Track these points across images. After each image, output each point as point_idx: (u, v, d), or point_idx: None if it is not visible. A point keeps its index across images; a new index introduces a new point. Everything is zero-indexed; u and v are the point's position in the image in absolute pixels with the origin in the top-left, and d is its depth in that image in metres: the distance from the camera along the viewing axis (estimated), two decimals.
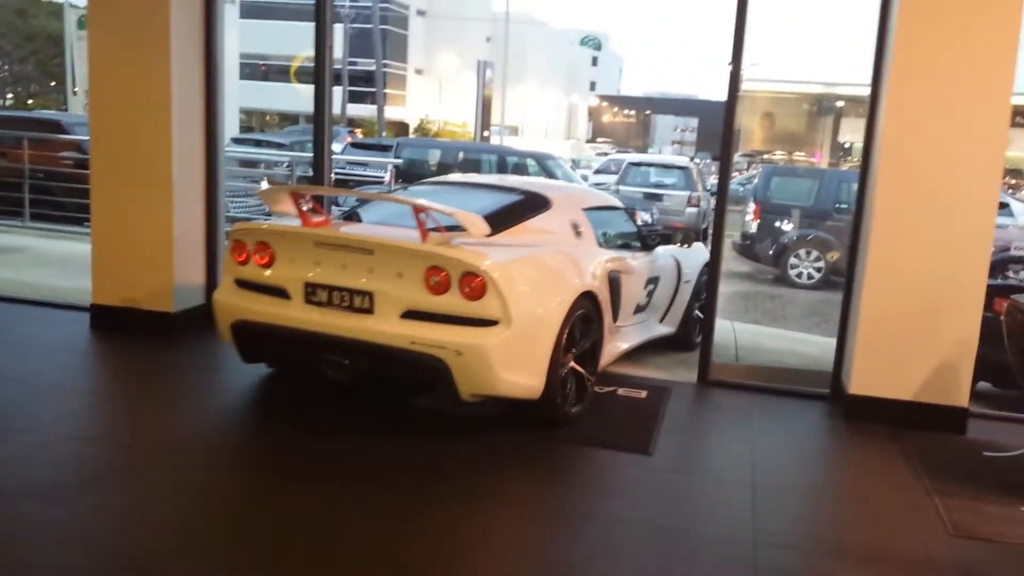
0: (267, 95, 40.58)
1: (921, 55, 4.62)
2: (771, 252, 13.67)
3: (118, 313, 5.65)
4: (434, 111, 46.86)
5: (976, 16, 4.53)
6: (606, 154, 38.92)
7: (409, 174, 14.00)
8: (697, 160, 36.34)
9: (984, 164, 4.63)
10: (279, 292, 4.43)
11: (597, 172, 23.97)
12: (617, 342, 5.29)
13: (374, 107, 33.48)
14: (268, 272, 4.47)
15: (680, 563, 3.21)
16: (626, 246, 5.70)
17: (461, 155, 16.05)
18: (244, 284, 4.58)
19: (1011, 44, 4.53)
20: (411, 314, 4.14)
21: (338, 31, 35.83)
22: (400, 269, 4.13)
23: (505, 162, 15.42)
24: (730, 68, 5.28)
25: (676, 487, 3.89)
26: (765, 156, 39.82)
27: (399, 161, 11.60)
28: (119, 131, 5.52)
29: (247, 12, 31.86)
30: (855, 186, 13.42)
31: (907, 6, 4.61)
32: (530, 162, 15.35)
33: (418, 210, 4.19)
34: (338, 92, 39.21)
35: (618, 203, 6.25)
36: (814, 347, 7.95)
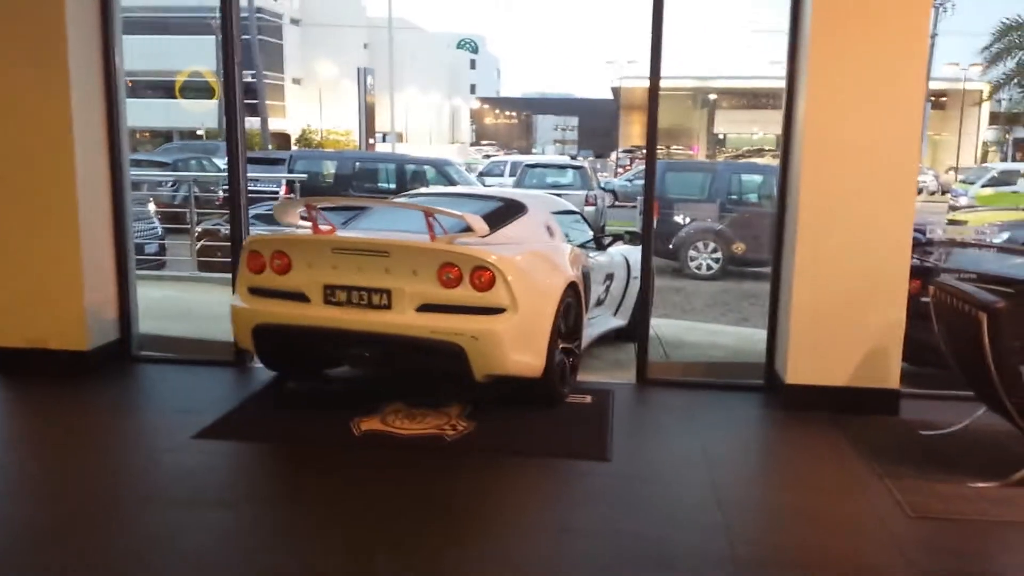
0: (141, 112, 38.97)
1: (838, 45, 4.74)
2: (671, 246, 13.95)
3: (27, 355, 5.25)
4: (316, 120, 46.01)
5: (888, 6, 4.68)
6: (488, 156, 39.07)
7: (304, 187, 13.64)
8: (580, 158, 36.90)
9: (903, 152, 4.79)
10: (297, 296, 4.76)
11: (482, 175, 23.95)
12: (585, 332, 5.59)
13: (254, 119, 32.58)
14: (285, 278, 4.79)
15: (665, 572, 3.19)
16: (584, 245, 6.05)
17: (357, 165, 15.77)
18: (259, 291, 4.89)
19: (923, 31, 4.71)
20: (426, 307, 4.58)
21: (210, 43, 34.71)
22: (415, 267, 4.59)
23: (404, 170, 15.22)
24: (649, 67, 5.29)
25: (643, 493, 3.87)
26: (645, 151, 40.88)
27: (303, 176, 11.25)
28: (18, 160, 5.14)
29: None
30: (747, 178, 14.20)
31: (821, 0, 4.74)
32: (428, 169, 15.21)
33: (428, 214, 4.66)
34: (214, 105, 38.02)
35: (574, 208, 6.69)
36: (732, 337, 8.15)
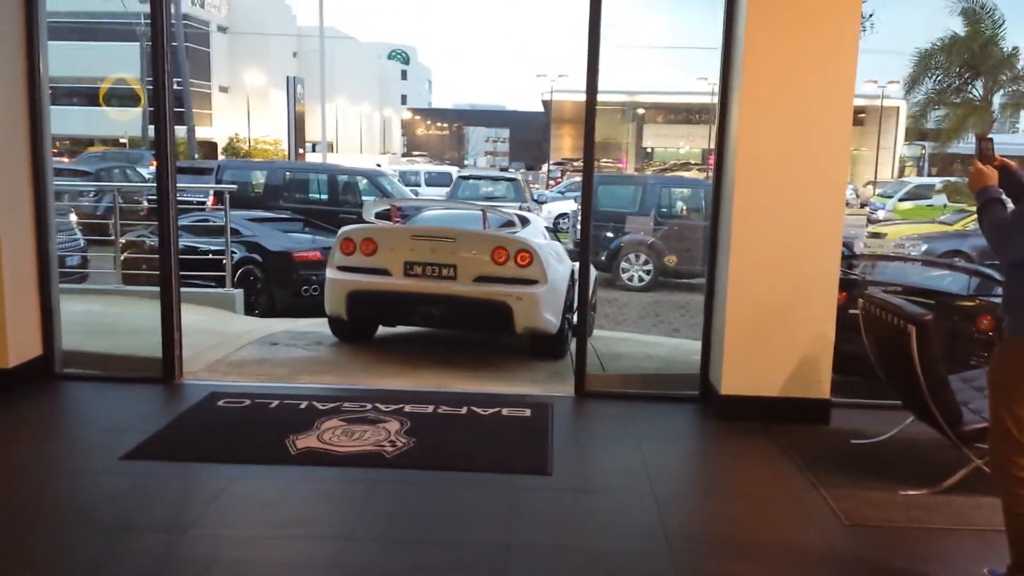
0: (61, 119, 37.74)
1: (771, 63, 4.83)
2: (603, 258, 14.08)
3: None
4: (243, 129, 45.17)
5: (819, 26, 4.80)
6: (379, 165, 38.90)
7: (233, 198, 13.35)
8: (512, 170, 36.98)
9: (832, 167, 4.90)
10: (380, 271, 6.50)
11: None
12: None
13: (181, 127, 31.82)
14: (372, 258, 6.52)
15: None
16: None
17: (288, 175, 15.49)
18: (346, 268, 6.60)
19: (851, 51, 4.83)
20: (481, 278, 6.38)
21: (135, 50, 33.87)
22: (474, 249, 6.44)
23: (336, 181, 14.99)
24: (586, 82, 5.31)
25: (584, 506, 3.88)
26: (576, 163, 41.27)
27: (233, 187, 11.00)
28: None
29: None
30: (676, 191, 15.61)
31: (754, 18, 4.82)
32: (361, 180, 15.04)
33: (485, 212, 7.07)
34: (138, 113, 37.04)
35: (550, 226, 8.46)
36: (665, 348, 8.25)
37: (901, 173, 44.22)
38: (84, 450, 4.41)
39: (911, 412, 4.46)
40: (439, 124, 75.20)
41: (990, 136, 3.34)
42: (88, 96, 41.52)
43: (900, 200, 25.24)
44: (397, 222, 7.18)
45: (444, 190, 22.65)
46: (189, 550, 3.33)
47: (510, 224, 6.95)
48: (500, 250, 6.37)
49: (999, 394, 3.05)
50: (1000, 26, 28.70)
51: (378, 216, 7.44)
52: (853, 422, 5.06)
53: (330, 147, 46.00)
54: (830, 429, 5.00)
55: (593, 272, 7.97)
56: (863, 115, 46.31)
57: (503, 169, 40.06)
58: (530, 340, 6.70)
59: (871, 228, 20.13)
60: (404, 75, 78.85)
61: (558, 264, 6.69)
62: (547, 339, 6.59)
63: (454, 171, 27.92)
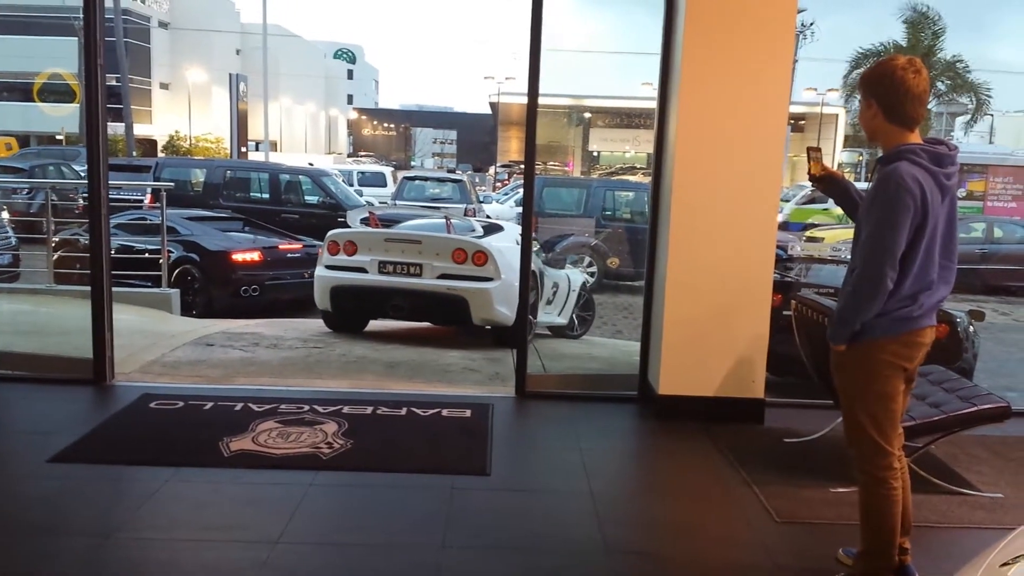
0: None
1: (707, 70, 4.90)
2: (548, 259, 14.13)
3: None
4: (184, 127, 44.36)
5: (755, 36, 4.87)
6: (312, 163, 38.62)
7: (171, 196, 13.11)
8: (459, 172, 36.94)
9: (765, 173, 4.99)
10: (359, 269, 7.56)
11: None
12: (540, 307, 8.19)
13: (118, 124, 31.07)
14: (353, 258, 7.61)
15: None
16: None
17: (228, 174, 15.22)
18: (332, 267, 7.67)
19: (786, 59, 4.93)
20: (444, 275, 7.37)
21: (72, 44, 33.06)
22: (438, 251, 7.45)
23: (278, 180, 14.78)
24: (528, 86, 5.31)
25: (523, 506, 3.89)
26: (522, 166, 41.41)
27: (170, 184, 10.77)
28: None
29: None
30: (620, 194, 16.14)
31: (692, 26, 4.88)
32: (304, 179, 14.86)
33: (448, 220, 8.19)
34: (75, 109, 36.17)
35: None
36: (606, 349, 8.32)
37: None
38: (10, 453, 4.29)
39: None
40: (386, 124, 74.75)
41: (818, 147, 3.47)
42: (24, 92, 40.46)
43: (798, 204, 25.45)
44: (377, 227, 8.32)
45: (378, 190, 22.70)
46: (116, 553, 3.26)
47: (474, 230, 8.10)
48: (459, 251, 7.36)
49: (850, 400, 3.12)
50: (940, 36, 29.50)
51: (362, 222, 8.62)
52: (786, 421, 5.15)
53: (274, 146, 45.46)
54: (764, 428, 5.08)
55: (580, 277, 9.20)
56: (803, 122, 47.11)
57: (450, 171, 39.96)
58: (493, 332, 7.54)
59: (810, 233, 20.48)
60: (350, 75, 78.24)
61: (516, 264, 6.97)
62: (505, 330, 7.35)
63: (388, 171, 27.88)
